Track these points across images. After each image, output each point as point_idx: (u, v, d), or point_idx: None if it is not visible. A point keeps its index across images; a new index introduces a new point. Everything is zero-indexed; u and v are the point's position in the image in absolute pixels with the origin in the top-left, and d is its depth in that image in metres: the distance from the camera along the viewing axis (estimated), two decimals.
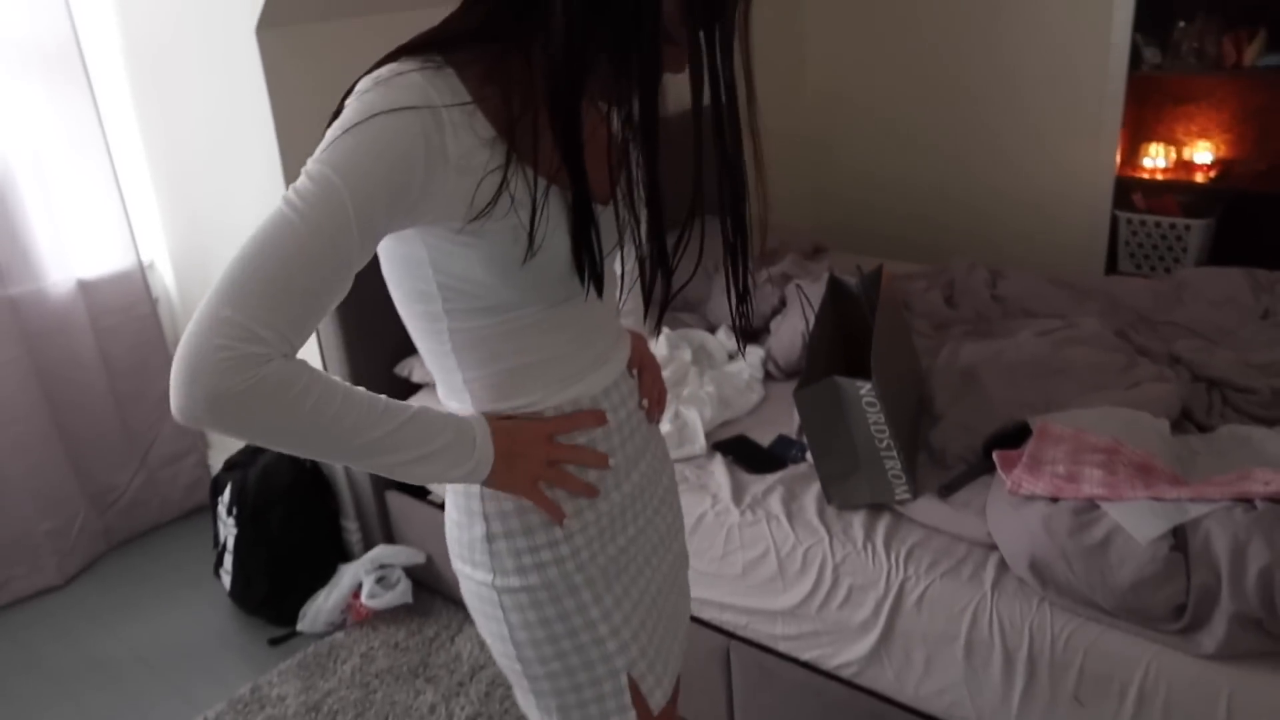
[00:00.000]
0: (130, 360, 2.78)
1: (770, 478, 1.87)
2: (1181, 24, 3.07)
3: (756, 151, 0.98)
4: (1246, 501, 1.44)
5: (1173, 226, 3.17)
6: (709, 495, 1.85)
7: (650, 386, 1.18)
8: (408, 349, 2.43)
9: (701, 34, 0.86)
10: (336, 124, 0.83)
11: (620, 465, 1.09)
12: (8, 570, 2.55)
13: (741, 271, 1.03)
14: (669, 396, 2.07)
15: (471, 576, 1.07)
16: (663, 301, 1.02)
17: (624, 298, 1.15)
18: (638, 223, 0.97)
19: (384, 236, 0.86)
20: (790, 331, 2.27)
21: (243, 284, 0.78)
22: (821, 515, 1.75)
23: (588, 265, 0.94)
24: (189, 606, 2.51)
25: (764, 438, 2.02)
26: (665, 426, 1.99)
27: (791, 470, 1.89)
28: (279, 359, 0.80)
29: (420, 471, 0.93)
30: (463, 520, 1.06)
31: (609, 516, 1.08)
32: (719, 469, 1.91)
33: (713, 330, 2.46)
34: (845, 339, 2.04)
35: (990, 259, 2.89)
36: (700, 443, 1.98)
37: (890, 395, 1.71)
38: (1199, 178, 3.20)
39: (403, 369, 2.47)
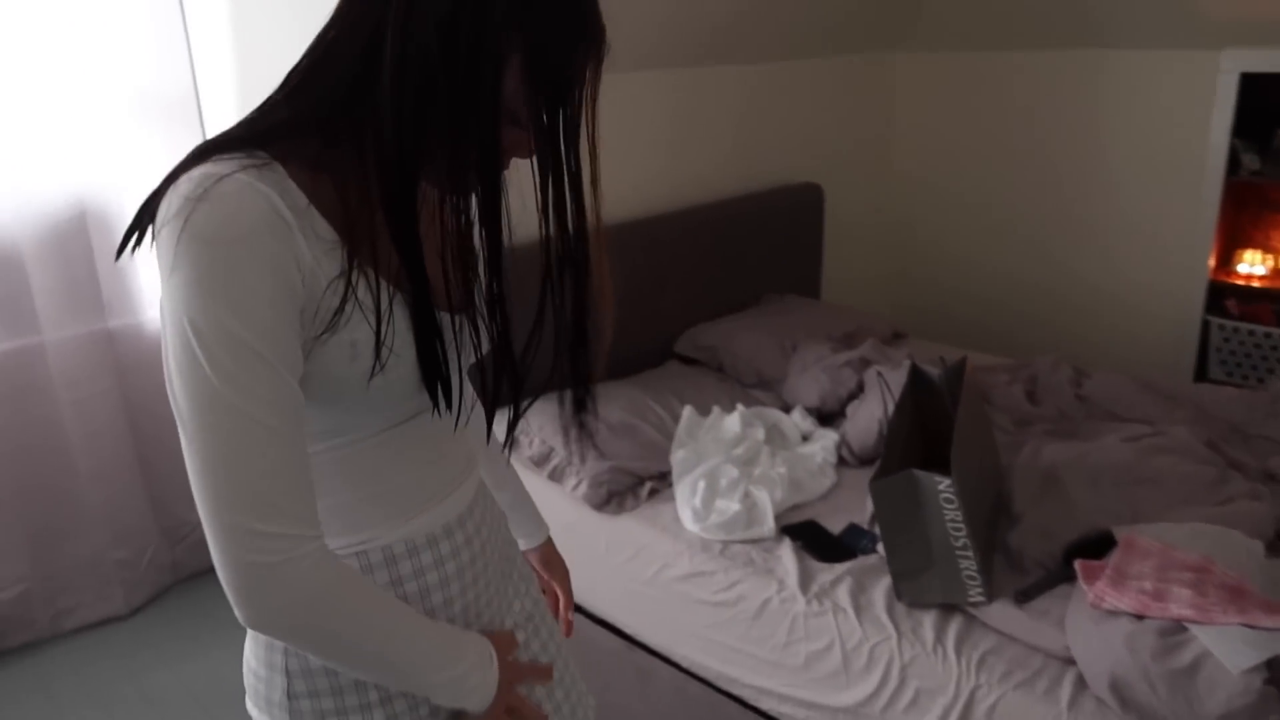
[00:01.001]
0: None
1: (839, 567, 1.83)
2: None
3: (598, 244, 0.88)
4: None
5: (1268, 336, 3.07)
6: (775, 580, 1.81)
7: (558, 589, 1.18)
8: None
9: (545, 116, 0.79)
10: (182, 276, 0.72)
11: (469, 606, 0.98)
12: (77, 596, 2.61)
13: (581, 381, 0.94)
14: (739, 475, 2.05)
15: None
16: (513, 413, 0.94)
17: (468, 415, 0.99)
18: (479, 327, 0.90)
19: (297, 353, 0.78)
20: (867, 417, 2.24)
21: (230, 488, 0.73)
22: (891, 611, 1.70)
23: (436, 377, 0.85)
24: None
25: (835, 525, 1.98)
26: (735, 506, 1.96)
27: (861, 561, 1.85)
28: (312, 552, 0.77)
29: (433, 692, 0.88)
30: (261, 671, 0.93)
31: None
32: (787, 554, 1.87)
33: (787, 410, 2.44)
34: (924, 430, 2.00)
35: (1074, 356, 2.83)
36: (769, 525, 1.95)
37: (969, 492, 1.67)
38: None
39: None
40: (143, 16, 2.46)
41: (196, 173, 0.74)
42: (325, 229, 0.79)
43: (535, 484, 2.16)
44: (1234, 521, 1.75)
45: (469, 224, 0.83)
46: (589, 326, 0.90)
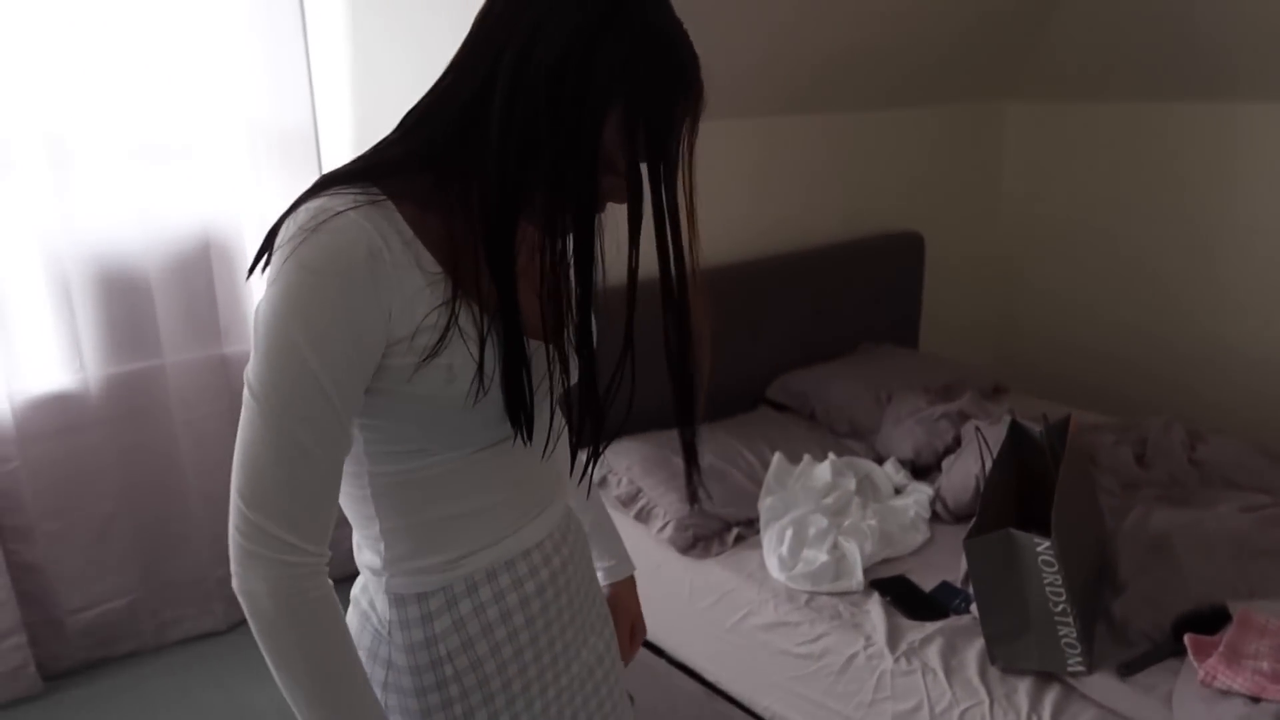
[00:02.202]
0: None
1: (929, 626, 1.77)
2: None
3: (696, 292, 0.91)
4: None
5: None
6: (862, 635, 1.77)
7: (627, 627, 1.21)
8: None
9: (644, 165, 0.82)
10: (280, 288, 0.79)
11: (537, 639, 1.00)
12: (180, 610, 2.71)
13: (688, 423, 0.96)
14: (829, 525, 2.01)
15: None
16: (593, 450, 0.97)
17: (553, 445, 1.01)
18: (565, 362, 0.92)
19: (362, 394, 0.84)
20: (963, 473, 2.17)
21: (253, 485, 0.80)
22: (983, 675, 1.63)
23: (520, 406, 0.89)
24: None
25: (926, 582, 1.92)
26: (823, 557, 1.93)
27: (953, 621, 1.78)
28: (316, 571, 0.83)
29: None
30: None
31: (523, 699, 0.99)
32: (875, 608, 1.83)
33: (880, 461, 2.39)
34: (1023, 489, 1.94)
35: (1188, 417, 2.70)
36: (858, 577, 1.91)
37: (1070, 556, 1.60)
38: None
39: None
40: (268, 53, 2.59)
41: (314, 204, 0.80)
42: (430, 262, 0.84)
43: (622, 524, 2.15)
44: None
45: (566, 264, 0.87)
46: (692, 369, 0.93)
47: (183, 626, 2.72)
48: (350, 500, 0.95)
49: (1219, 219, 3.15)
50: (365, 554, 0.97)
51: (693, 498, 1.05)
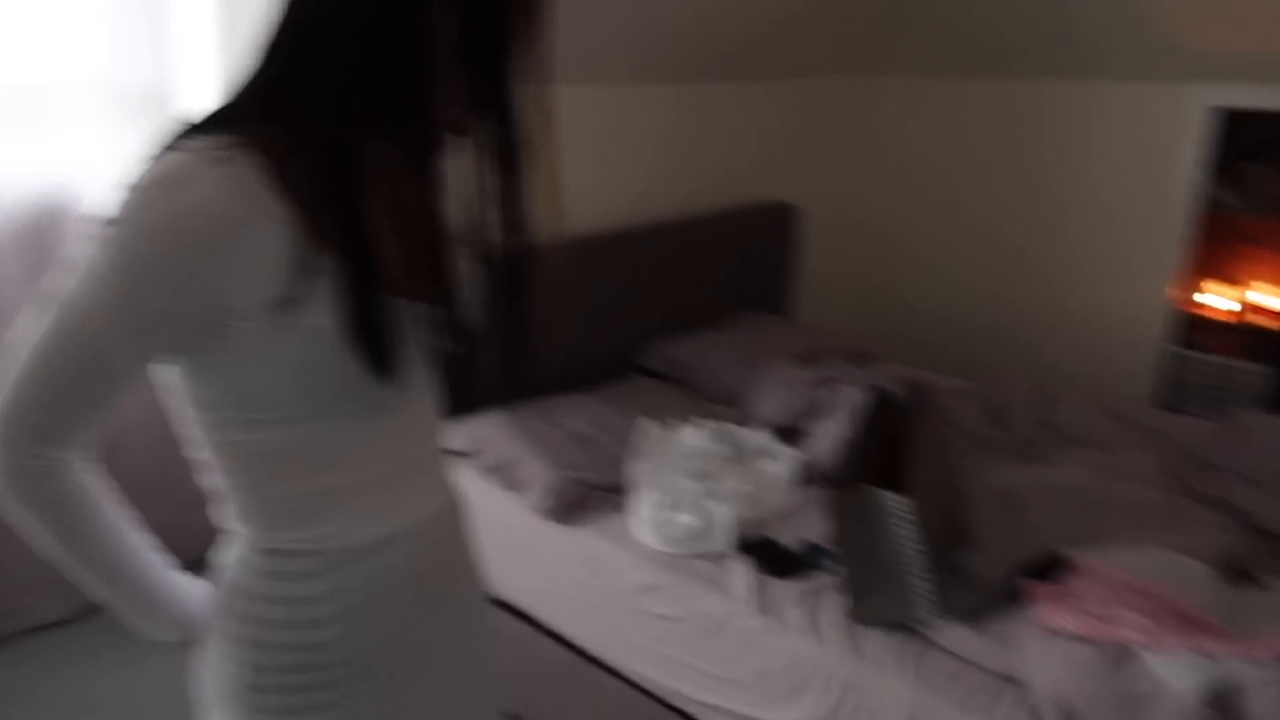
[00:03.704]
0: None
1: (794, 584, 1.81)
2: (1255, 166, 3.03)
3: (558, 255, 0.91)
4: None
5: (1233, 370, 3.08)
6: (729, 596, 1.79)
7: None
8: None
9: (490, 111, 0.82)
10: (117, 234, 0.77)
11: (423, 615, 0.98)
12: (18, 600, 2.54)
13: (520, 336, 0.94)
14: (699, 489, 2.03)
15: None
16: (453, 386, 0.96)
17: (431, 410, 0.98)
18: (433, 317, 0.90)
19: (176, 348, 0.82)
20: (830, 436, 2.22)
21: (21, 389, 0.81)
22: (843, 629, 1.68)
23: (383, 363, 0.84)
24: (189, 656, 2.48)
25: (792, 541, 1.96)
26: (691, 520, 1.94)
27: (817, 578, 1.82)
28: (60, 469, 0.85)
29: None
30: (220, 664, 0.94)
31: (403, 675, 0.96)
32: (742, 569, 1.85)
33: (751, 427, 2.42)
34: (884, 450, 1.98)
35: (1041, 381, 2.83)
36: (726, 540, 1.93)
37: (925, 512, 1.65)
38: (1265, 322, 3.11)
39: None
40: (118, 7, 2.43)
41: (163, 160, 0.77)
42: (283, 213, 0.79)
43: (491, 493, 2.13)
44: (1189, 549, 1.74)
45: (428, 212, 0.85)
46: (525, 333, 0.92)
47: (23, 617, 2.56)
48: (218, 472, 0.90)
49: (1074, 194, 3.31)
50: (233, 524, 0.93)
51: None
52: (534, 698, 2.14)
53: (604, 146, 2.72)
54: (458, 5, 0.78)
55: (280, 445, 0.87)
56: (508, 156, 0.84)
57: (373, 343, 0.83)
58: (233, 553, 0.93)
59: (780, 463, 2.24)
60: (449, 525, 1.03)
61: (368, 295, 0.82)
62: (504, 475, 2.14)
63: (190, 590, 0.98)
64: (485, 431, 2.19)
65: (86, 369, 0.81)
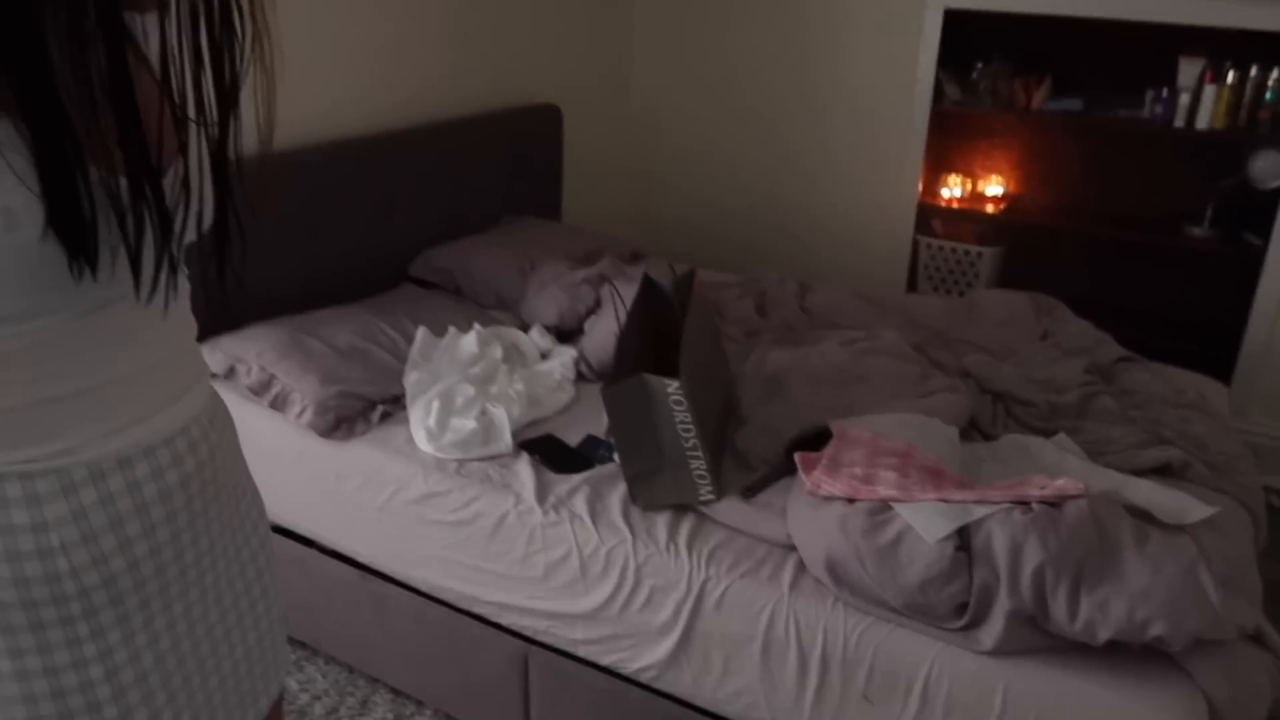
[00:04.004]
0: None
1: (576, 478, 1.83)
2: (980, 65, 3.27)
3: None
4: (1024, 505, 1.51)
5: (967, 253, 3.37)
6: (512, 495, 1.78)
7: None
8: None
9: None
10: None
11: (179, 535, 0.89)
12: None
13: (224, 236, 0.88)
14: (476, 393, 1.99)
15: None
16: (162, 266, 0.80)
17: (164, 298, 0.84)
18: (151, 193, 0.77)
19: None
20: (604, 332, 2.24)
21: None
22: (626, 516, 1.71)
23: (80, 242, 0.73)
24: None
25: (573, 438, 1.97)
26: (471, 424, 1.91)
27: (598, 471, 1.85)
28: None
29: None
30: None
31: (159, 601, 0.88)
32: (524, 468, 1.85)
33: (525, 329, 2.40)
34: (657, 340, 2.03)
35: (801, 273, 2.98)
36: (506, 440, 1.91)
37: (698, 395, 1.70)
38: (991, 209, 3.41)
39: None
40: None
41: None
42: None
43: (256, 413, 2.00)
44: (934, 412, 1.89)
45: (120, 63, 0.71)
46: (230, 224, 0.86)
47: None
48: None
49: (831, 92, 3.45)
50: None
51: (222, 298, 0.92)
52: (322, 623, 2.07)
53: (366, 46, 2.54)
54: None
55: (10, 346, 0.75)
56: (218, 19, 0.76)
57: (71, 223, 0.72)
58: None
59: (557, 362, 2.24)
60: (206, 437, 0.93)
61: (59, 166, 0.70)
62: (268, 394, 2.01)
63: None
64: (243, 349, 2.05)
65: None
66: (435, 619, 1.89)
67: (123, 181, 0.75)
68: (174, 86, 0.76)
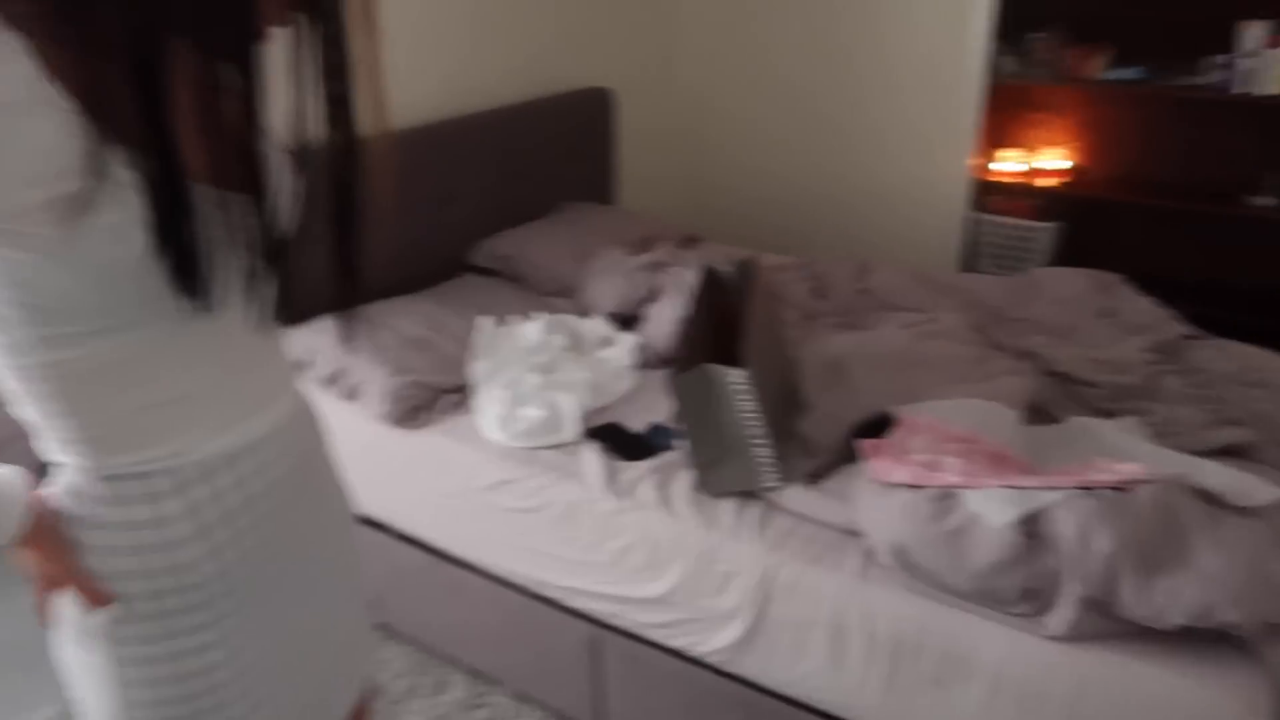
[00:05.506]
0: None
1: (642, 465, 1.86)
2: (1036, 36, 3.22)
3: (384, 153, 0.86)
4: (1091, 489, 1.52)
5: (1026, 229, 3.33)
6: (580, 482, 1.83)
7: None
8: None
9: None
10: None
11: (282, 529, 0.95)
12: None
13: (350, 235, 0.90)
14: (541, 382, 2.04)
15: (84, 660, 0.92)
16: (282, 292, 0.87)
17: (260, 311, 0.89)
18: (258, 210, 0.82)
19: None
20: (664, 319, 2.27)
21: None
22: (693, 502, 1.75)
23: (187, 264, 0.77)
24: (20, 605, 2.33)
25: (636, 425, 2.01)
26: (537, 412, 1.96)
27: (664, 458, 1.89)
28: None
29: None
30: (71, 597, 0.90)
31: (272, 588, 0.95)
32: (591, 456, 1.89)
33: (585, 315, 2.44)
34: (718, 328, 2.05)
35: (857, 253, 2.97)
36: (573, 429, 1.96)
37: (761, 383, 1.73)
38: (1050, 183, 3.37)
39: None
40: None
41: None
42: (65, 100, 0.71)
43: (329, 404, 2.07)
44: (996, 396, 1.90)
45: (247, 101, 0.76)
46: (356, 237, 0.88)
47: None
48: (32, 399, 0.82)
49: (879, 67, 3.41)
50: (59, 456, 0.86)
51: (346, 339, 0.97)
52: (398, 604, 2.14)
53: (423, 39, 2.58)
54: None
55: (92, 362, 0.80)
56: (330, 45, 0.78)
57: (178, 246, 0.76)
58: (63, 486, 0.87)
59: (619, 349, 2.27)
60: (301, 435, 0.99)
61: (170, 192, 0.75)
62: (341, 385, 2.08)
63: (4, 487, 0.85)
64: (316, 341, 2.11)
65: None
66: (508, 602, 1.94)
67: (235, 207, 0.80)
68: (301, 110, 0.79)
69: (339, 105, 0.81)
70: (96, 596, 0.87)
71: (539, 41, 3.03)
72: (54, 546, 0.86)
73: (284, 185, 0.87)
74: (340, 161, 0.84)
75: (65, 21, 0.71)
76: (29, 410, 0.84)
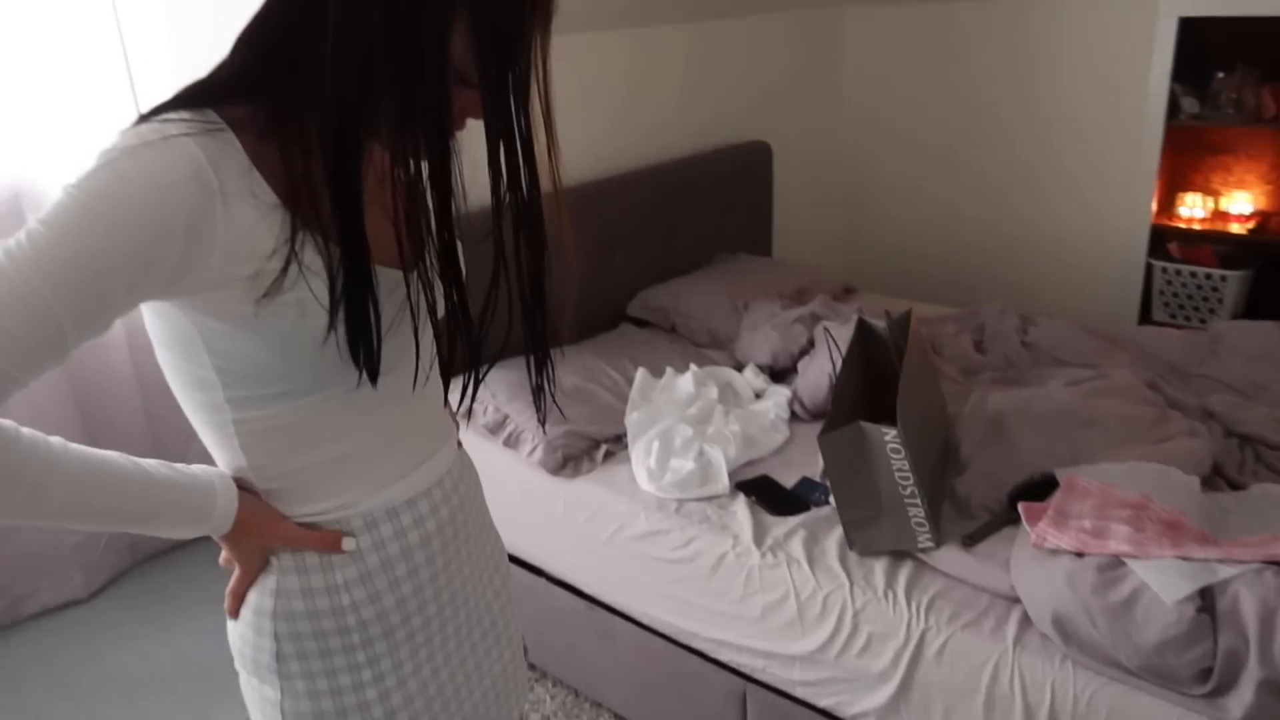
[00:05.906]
0: (164, 380, 2.82)
1: (792, 520, 1.86)
2: (1220, 75, 3.05)
3: (560, 208, 0.89)
4: (1277, 564, 1.42)
5: (1208, 277, 3.14)
6: (730, 535, 1.84)
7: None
8: None
9: (495, 75, 0.79)
10: (85, 179, 0.73)
11: (437, 576, 1.01)
12: (34, 582, 2.58)
13: (539, 343, 0.96)
14: (693, 434, 2.07)
15: (259, 690, 0.99)
16: (473, 377, 0.96)
17: (424, 379, 0.97)
18: (430, 288, 0.89)
19: (120, 310, 0.77)
20: (817, 373, 2.26)
21: None
22: (843, 560, 1.73)
23: (362, 342, 0.84)
24: (210, 626, 2.53)
25: (788, 479, 2.01)
26: (689, 464, 1.99)
27: (814, 513, 1.88)
28: None
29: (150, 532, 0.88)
30: (249, 635, 0.97)
31: (423, 634, 1.01)
32: (741, 509, 1.90)
33: (740, 368, 2.46)
34: (872, 383, 2.03)
35: (1021, 304, 2.87)
36: (724, 481, 1.98)
37: (915, 442, 1.70)
38: (1236, 228, 3.16)
39: None
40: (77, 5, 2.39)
41: (143, 127, 0.75)
42: (268, 193, 0.80)
43: (491, 451, 2.17)
44: (1171, 459, 1.80)
45: (421, 187, 0.84)
46: (545, 289, 0.92)
47: (39, 598, 2.60)
48: (220, 452, 0.92)
49: (1048, 112, 3.32)
50: None
51: (543, 420, 1.04)
52: (549, 647, 2.20)
53: (575, 95, 2.71)
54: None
55: (272, 422, 0.88)
56: (510, 139, 0.83)
57: (354, 324, 0.83)
58: None
59: (772, 402, 2.28)
60: (460, 487, 1.06)
61: (353, 277, 0.82)
62: (502, 433, 2.18)
63: (202, 477, 0.90)
64: (480, 390, 2.22)
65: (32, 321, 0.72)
66: (657, 651, 1.97)
67: (415, 287, 0.88)
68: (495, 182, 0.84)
69: (516, 174, 0.84)
70: (328, 540, 0.93)
71: (707, 97, 3.11)
72: (266, 520, 0.93)
73: (462, 263, 0.93)
74: (525, 220, 0.87)
75: (275, 125, 0.81)
76: (222, 462, 0.94)
